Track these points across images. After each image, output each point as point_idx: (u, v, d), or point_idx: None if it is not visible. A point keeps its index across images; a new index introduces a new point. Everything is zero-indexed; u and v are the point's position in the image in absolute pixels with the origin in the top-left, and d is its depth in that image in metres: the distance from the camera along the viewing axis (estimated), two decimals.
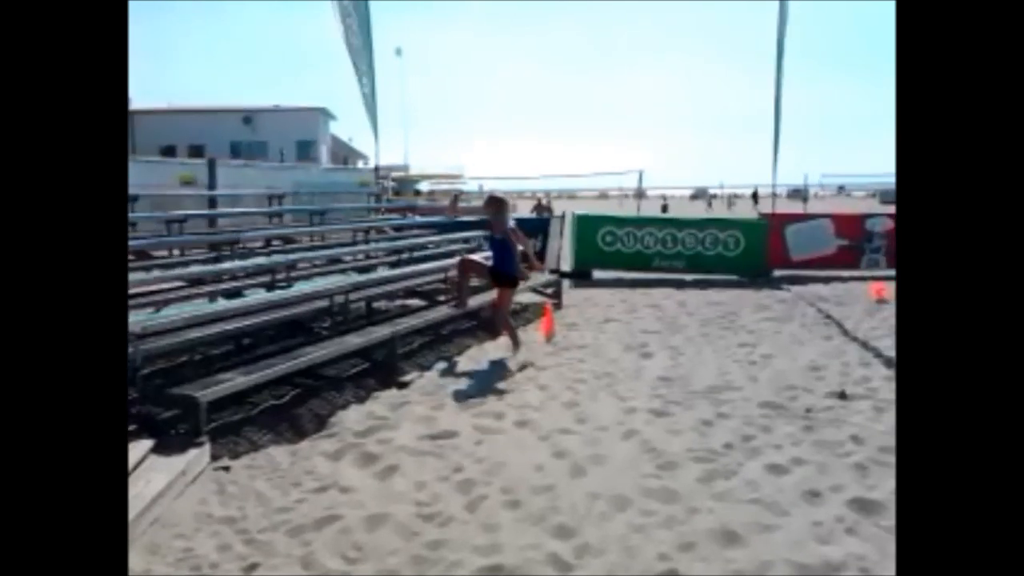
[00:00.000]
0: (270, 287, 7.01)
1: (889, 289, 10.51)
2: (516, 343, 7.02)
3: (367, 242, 10.57)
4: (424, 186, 49.13)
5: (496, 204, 7.08)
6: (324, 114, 42.29)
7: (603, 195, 63.74)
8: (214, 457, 4.41)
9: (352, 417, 5.19)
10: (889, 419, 4.96)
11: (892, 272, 12.43)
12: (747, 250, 13.00)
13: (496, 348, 7.33)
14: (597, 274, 13.01)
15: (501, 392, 5.77)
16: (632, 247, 13.18)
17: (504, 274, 6.98)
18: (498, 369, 6.50)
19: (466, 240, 9.87)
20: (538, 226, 13.73)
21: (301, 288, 6.96)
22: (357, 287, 7.07)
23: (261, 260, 7.69)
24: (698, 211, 28.63)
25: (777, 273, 12.85)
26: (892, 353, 6.82)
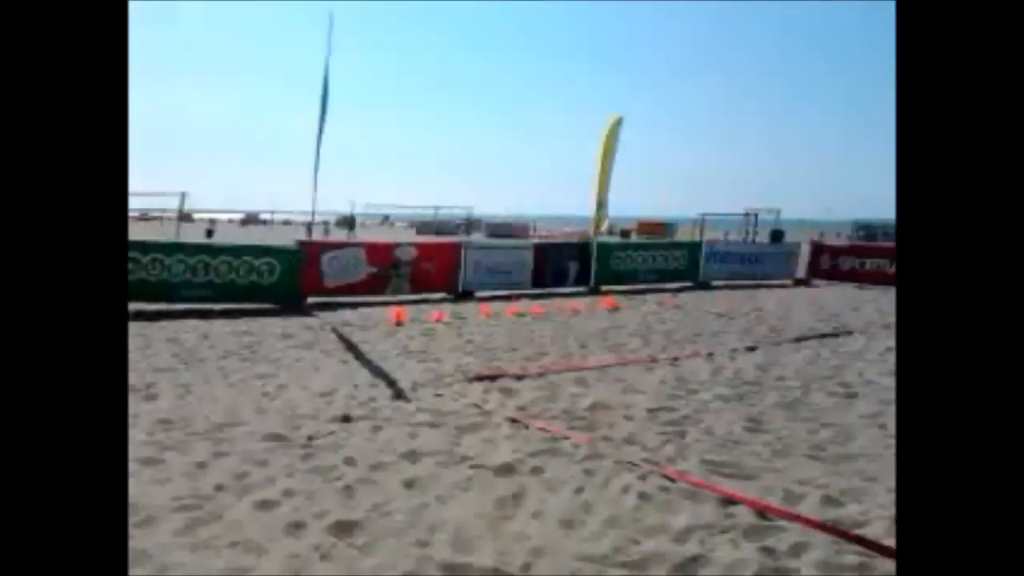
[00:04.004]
0: None
1: (407, 312, 11.51)
2: None
3: None
4: None
5: None
6: None
7: (144, 217, 58.00)
8: None
9: None
10: (384, 437, 5.30)
11: (414, 296, 13.70)
12: (282, 277, 12.95)
13: None
14: None
15: None
16: (158, 276, 12.08)
17: None
18: None
19: None
20: None
21: None
22: None
23: None
24: (244, 236, 27.79)
25: (312, 300, 13.07)
26: (398, 373, 7.40)
